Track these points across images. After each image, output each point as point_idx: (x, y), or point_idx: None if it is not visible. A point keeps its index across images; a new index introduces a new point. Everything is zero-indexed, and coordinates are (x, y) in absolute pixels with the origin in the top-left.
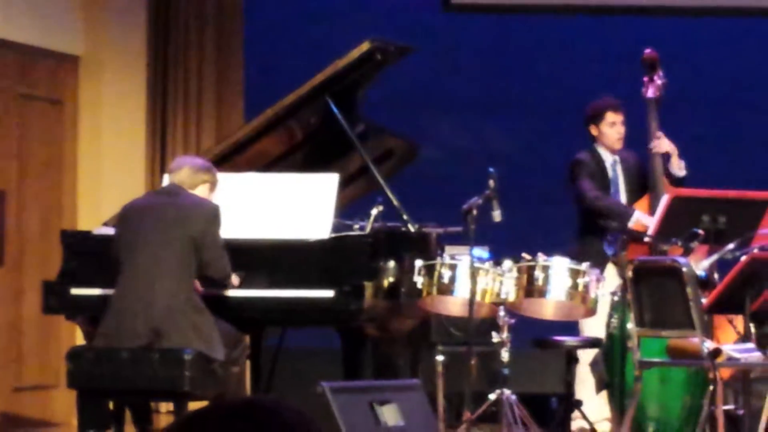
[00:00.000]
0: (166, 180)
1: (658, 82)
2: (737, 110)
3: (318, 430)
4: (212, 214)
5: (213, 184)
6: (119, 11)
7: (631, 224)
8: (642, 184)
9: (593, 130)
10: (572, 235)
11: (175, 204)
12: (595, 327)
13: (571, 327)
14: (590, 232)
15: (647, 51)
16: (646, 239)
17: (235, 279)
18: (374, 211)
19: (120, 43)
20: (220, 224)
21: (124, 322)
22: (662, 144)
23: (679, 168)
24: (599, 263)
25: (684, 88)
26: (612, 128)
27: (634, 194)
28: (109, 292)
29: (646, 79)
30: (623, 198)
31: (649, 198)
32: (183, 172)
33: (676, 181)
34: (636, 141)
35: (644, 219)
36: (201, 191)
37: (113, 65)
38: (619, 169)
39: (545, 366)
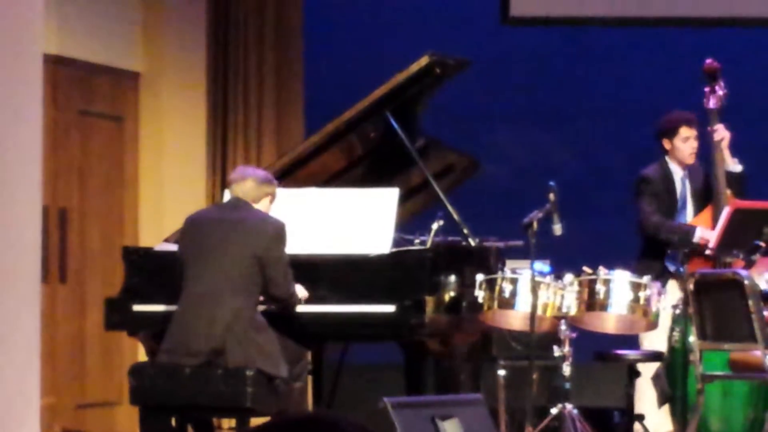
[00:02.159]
0: (227, 193)
1: (720, 92)
2: None
3: None
4: (278, 232)
5: (274, 197)
6: (179, 27)
7: (695, 240)
8: (709, 197)
9: (666, 144)
10: (634, 250)
11: (241, 220)
12: (655, 340)
13: (632, 340)
14: (651, 251)
15: (708, 61)
16: (708, 252)
17: (302, 293)
18: (435, 226)
19: (180, 59)
20: (286, 242)
21: (187, 338)
22: (725, 132)
23: (732, 163)
24: (660, 278)
25: (744, 99)
26: (686, 143)
27: (702, 208)
28: (171, 308)
29: (707, 89)
30: (691, 212)
31: (712, 208)
32: (247, 184)
33: (736, 179)
34: (699, 153)
35: (707, 234)
36: (263, 204)
37: (173, 81)
38: (688, 183)
39: (607, 380)
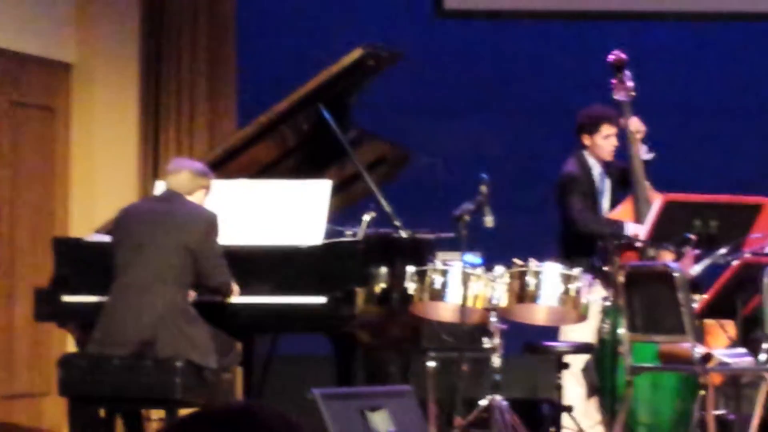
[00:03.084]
0: (160, 185)
1: (628, 84)
2: (713, 114)
3: None
4: (210, 224)
5: (209, 189)
6: (111, 19)
7: (627, 234)
8: (624, 190)
9: (585, 140)
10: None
11: (173, 212)
12: (580, 332)
13: (554, 333)
14: (576, 247)
15: (613, 53)
16: (638, 244)
17: (235, 288)
18: (366, 218)
19: (112, 50)
20: (218, 234)
21: (117, 329)
22: (639, 125)
23: (645, 152)
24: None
25: (664, 93)
26: (606, 141)
27: (617, 201)
28: (101, 299)
29: (614, 81)
30: (606, 206)
31: (632, 200)
32: (182, 175)
33: (647, 163)
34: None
35: (637, 228)
36: (197, 196)
37: (105, 73)
38: (606, 179)
39: (536, 372)
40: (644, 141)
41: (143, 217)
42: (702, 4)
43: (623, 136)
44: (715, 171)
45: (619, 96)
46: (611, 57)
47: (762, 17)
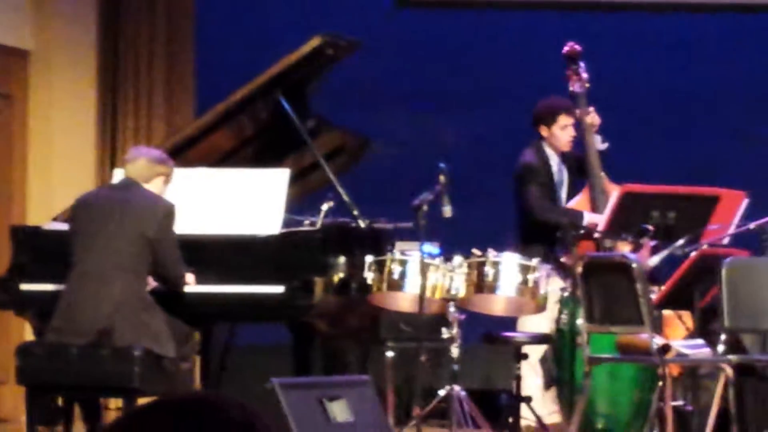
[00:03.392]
0: (119, 173)
1: (584, 75)
2: (680, 106)
3: (264, 426)
4: (168, 214)
5: (168, 177)
6: (69, 6)
7: (585, 224)
8: (581, 181)
9: (543, 131)
10: (514, 240)
11: (130, 200)
12: (537, 323)
13: (513, 324)
14: (533, 238)
15: (568, 45)
16: (596, 235)
17: (189, 278)
18: (325, 207)
19: (70, 37)
20: (174, 223)
21: (74, 318)
22: (595, 117)
23: (600, 143)
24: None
25: (619, 83)
26: (564, 131)
27: (574, 192)
28: (59, 287)
29: (569, 72)
30: (564, 197)
31: (589, 192)
32: (139, 163)
33: (601, 154)
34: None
35: (594, 218)
36: (156, 184)
37: (63, 60)
38: (564, 169)
39: (494, 362)
40: (600, 132)
41: (100, 205)
42: None
43: (580, 126)
44: (670, 161)
45: (574, 87)
46: (566, 48)
47: (714, 8)
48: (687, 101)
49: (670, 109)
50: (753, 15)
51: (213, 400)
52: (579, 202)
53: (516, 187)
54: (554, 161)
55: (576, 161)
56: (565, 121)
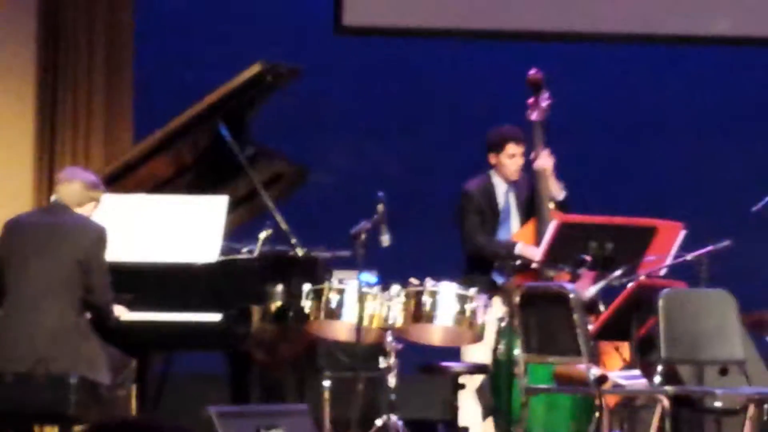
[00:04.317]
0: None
1: (543, 104)
2: (627, 134)
3: None
4: (99, 237)
5: (98, 202)
6: (7, 27)
7: (517, 254)
8: (531, 210)
9: (492, 159)
10: (462, 263)
11: (62, 224)
12: (478, 353)
13: (457, 353)
14: (477, 265)
15: (532, 72)
16: (534, 265)
17: (120, 310)
18: (263, 235)
19: (7, 60)
20: (106, 248)
21: (8, 346)
22: (548, 160)
23: (557, 190)
24: (486, 292)
25: (573, 113)
26: (511, 160)
27: (527, 219)
28: None
29: (531, 101)
30: (516, 225)
31: (535, 222)
32: (75, 186)
33: (560, 204)
34: (524, 166)
35: (527, 250)
36: (86, 209)
37: (1, 81)
38: (512, 197)
39: (432, 392)
40: (563, 164)
41: (31, 229)
42: (620, 26)
43: (530, 168)
44: (631, 191)
45: (532, 116)
46: (530, 75)
47: (678, 40)
48: (639, 131)
49: (623, 139)
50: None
51: (150, 425)
52: (523, 232)
53: (456, 215)
54: (501, 190)
55: (529, 193)
56: (513, 149)
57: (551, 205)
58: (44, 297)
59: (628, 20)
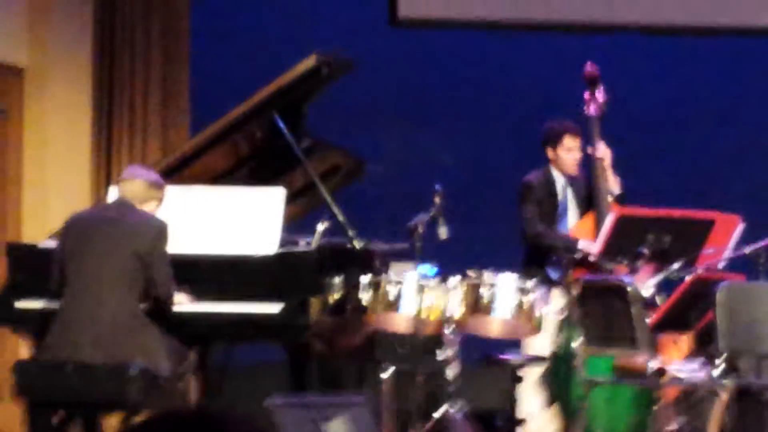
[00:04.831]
0: (114, 191)
1: (600, 99)
2: (679, 127)
3: None
4: (161, 232)
5: (161, 201)
6: (64, 23)
7: (578, 251)
8: (591, 204)
9: (549, 153)
10: (520, 254)
11: (123, 219)
12: (539, 345)
13: (517, 345)
14: (535, 258)
15: (588, 66)
16: (592, 259)
17: (184, 298)
18: (320, 227)
19: (65, 54)
20: (167, 242)
21: (70, 335)
22: (606, 151)
23: (614, 185)
24: (545, 285)
25: (626, 106)
26: (569, 153)
27: (584, 215)
28: (55, 305)
29: (587, 96)
30: (573, 219)
31: (593, 215)
32: (137, 184)
33: (617, 199)
34: (582, 161)
35: (589, 246)
36: (149, 207)
37: (59, 77)
38: (570, 191)
39: (490, 383)
40: (617, 158)
41: (92, 224)
42: (667, 17)
43: (590, 160)
44: (681, 183)
45: (590, 110)
46: (587, 69)
47: (728, 31)
48: (689, 122)
49: (673, 129)
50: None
51: (219, 414)
52: (582, 224)
53: (518, 205)
54: (560, 183)
55: (587, 191)
56: (570, 143)
57: (610, 199)
58: (104, 288)
59: (676, 12)
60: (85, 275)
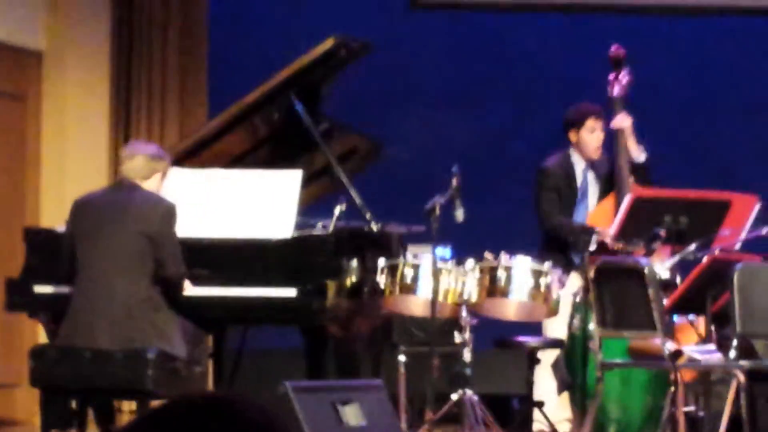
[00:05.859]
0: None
1: (624, 80)
2: (704, 110)
3: (283, 427)
4: (169, 213)
5: (165, 173)
6: (82, 6)
7: (595, 244)
8: (613, 184)
9: (572, 136)
10: (536, 237)
11: (131, 201)
12: (557, 328)
13: (533, 328)
14: (554, 243)
15: (613, 48)
16: (608, 240)
17: (185, 284)
18: (337, 210)
19: (83, 38)
20: (176, 223)
21: (84, 320)
22: (626, 119)
23: (637, 152)
24: (563, 267)
25: (650, 88)
26: (592, 134)
27: (605, 197)
28: (72, 289)
29: (612, 77)
30: (593, 203)
31: (614, 197)
32: (137, 160)
33: (640, 168)
34: (604, 144)
35: (605, 233)
36: (154, 180)
37: (76, 61)
38: (590, 175)
39: (507, 366)
40: (639, 139)
41: (99, 207)
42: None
43: (612, 134)
44: (712, 167)
45: (614, 92)
46: (612, 51)
47: (761, 12)
48: (713, 106)
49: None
50: None
51: (231, 401)
52: (602, 206)
53: (534, 190)
54: (579, 168)
55: (609, 171)
56: (593, 124)
57: (631, 180)
58: (115, 272)
59: None
60: (95, 260)
